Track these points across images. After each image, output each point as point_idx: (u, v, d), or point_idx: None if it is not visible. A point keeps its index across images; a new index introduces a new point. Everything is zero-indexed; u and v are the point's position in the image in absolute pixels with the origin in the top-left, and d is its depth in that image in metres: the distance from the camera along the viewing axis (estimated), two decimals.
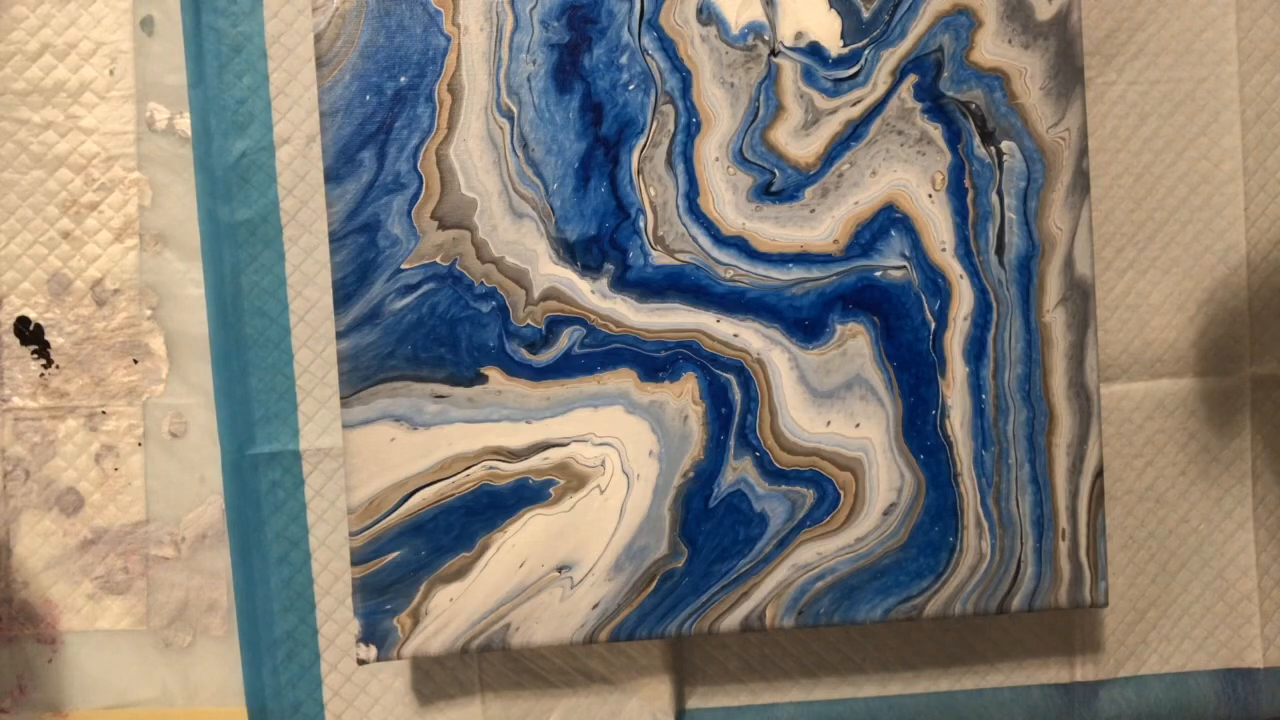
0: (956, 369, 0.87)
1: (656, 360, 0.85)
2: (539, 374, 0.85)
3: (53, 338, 0.95)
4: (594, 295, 0.85)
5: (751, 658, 0.97)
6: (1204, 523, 0.99)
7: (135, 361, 0.95)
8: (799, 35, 0.85)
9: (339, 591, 0.95)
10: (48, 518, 0.96)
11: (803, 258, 0.85)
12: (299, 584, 0.95)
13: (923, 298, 0.86)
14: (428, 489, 0.85)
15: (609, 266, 0.85)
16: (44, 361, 0.95)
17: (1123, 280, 0.97)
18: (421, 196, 0.84)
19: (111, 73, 0.94)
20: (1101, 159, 0.96)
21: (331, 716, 0.96)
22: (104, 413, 0.95)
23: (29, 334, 0.95)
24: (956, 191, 0.86)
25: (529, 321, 0.85)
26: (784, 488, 0.86)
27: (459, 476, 0.85)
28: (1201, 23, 0.97)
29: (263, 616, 0.95)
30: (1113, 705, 0.98)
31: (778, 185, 0.85)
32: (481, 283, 0.85)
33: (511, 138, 0.85)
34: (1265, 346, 0.98)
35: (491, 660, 0.96)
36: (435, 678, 0.96)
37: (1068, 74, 0.85)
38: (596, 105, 0.85)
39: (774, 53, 0.85)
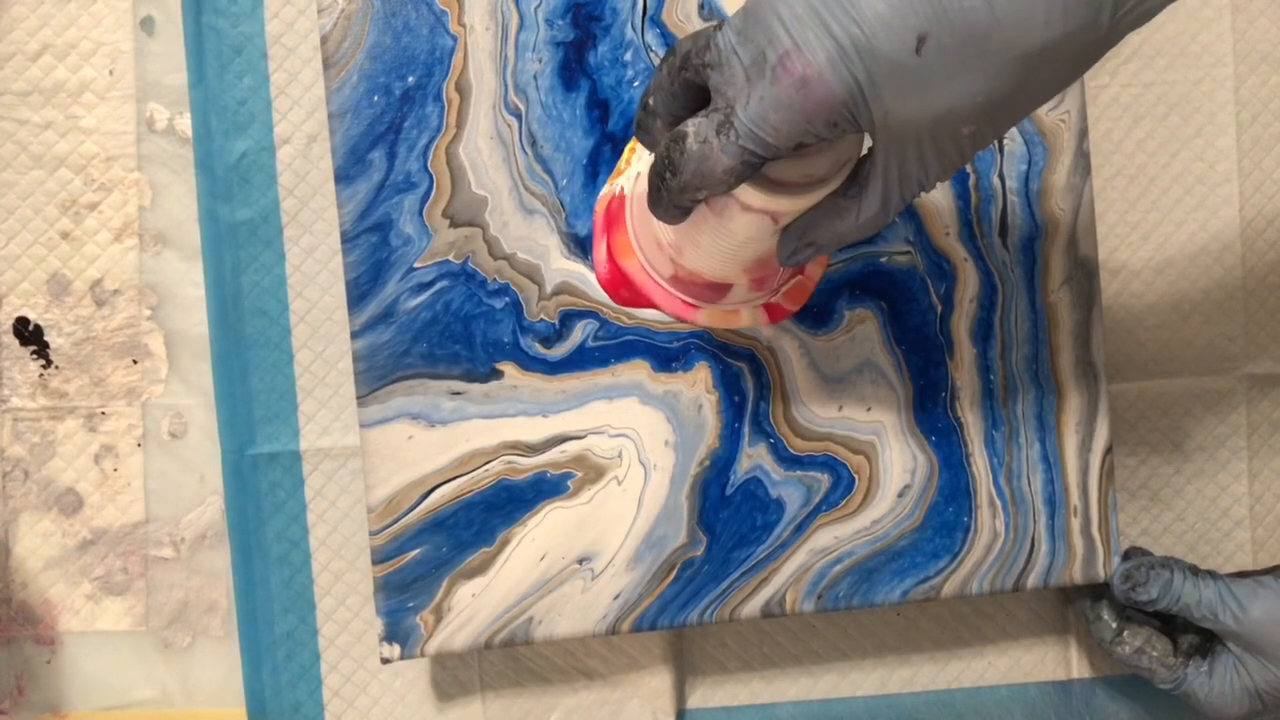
0: (964, 351, 0.90)
1: (669, 351, 0.89)
2: (554, 368, 0.88)
3: (52, 338, 0.97)
4: None
5: (751, 657, 1.00)
6: (1200, 521, 1.02)
7: (135, 362, 0.97)
8: None
9: (339, 591, 0.97)
10: (47, 518, 0.97)
11: None
12: (299, 584, 0.97)
13: (928, 281, 0.90)
14: (446, 485, 0.88)
15: None
16: (43, 362, 0.97)
17: (1117, 280, 1.00)
18: (433, 195, 0.87)
19: (111, 73, 0.96)
20: (1096, 160, 0.98)
21: (331, 717, 0.97)
22: (103, 413, 0.97)
23: (28, 334, 0.97)
24: (958, 176, 0.90)
25: (542, 316, 0.88)
26: (799, 473, 0.90)
27: (477, 472, 0.88)
28: (1197, 25, 0.99)
29: (263, 616, 0.97)
30: (1111, 702, 1.01)
31: None
32: (494, 279, 0.88)
33: (520, 135, 0.88)
34: (1260, 346, 1.01)
35: (492, 660, 0.98)
36: (435, 678, 0.98)
37: None
38: (603, 102, 0.88)
39: None
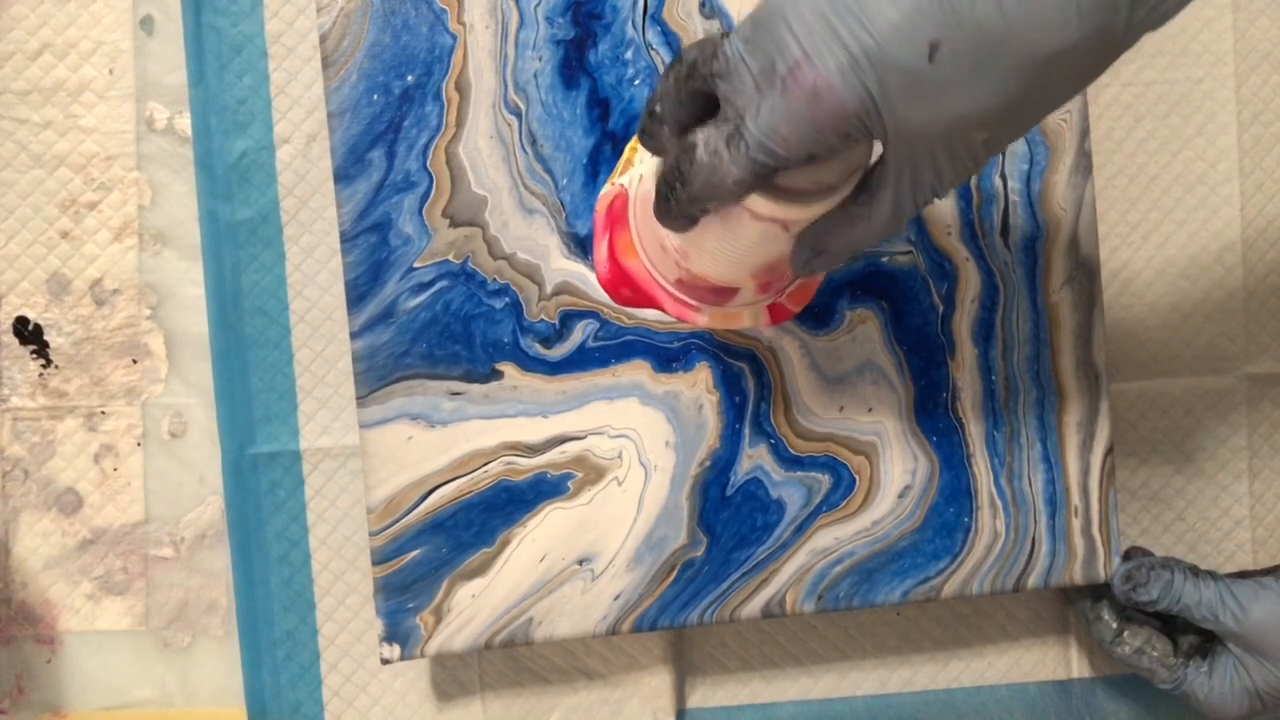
0: (966, 351, 0.90)
1: (670, 351, 0.88)
2: (554, 368, 0.88)
3: (52, 337, 0.96)
4: None
5: (751, 657, 1.00)
6: (1200, 521, 1.02)
7: (134, 361, 0.97)
8: None
9: (339, 591, 0.97)
10: (47, 518, 0.97)
11: None
12: (299, 584, 0.97)
13: (930, 282, 0.90)
14: (446, 486, 0.88)
15: None
16: (43, 361, 0.97)
17: (1118, 280, 1.00)
18: (432, 195, 0.87)
19: (111, 72, 0.96)
20: (1097, 159, 0.97)
21: (331, 717, 0.97)
22: (103, 413, 0.97)
23: (28, 334, 0.96)
24: None
25: (542, 316, 0.88)
26: (799, 474, 0.90)
27: (477, 473, 0.88)
28: (1198, 24, 0.99)
29: (262, 616, 0.97)
30: (1111, 702, 1.01)
31: None
32: (494, 279, 0.87)
33: (520, 134, 0.87)
34: (1261, 345, 1.01)
35: (492, 660, 0.98)
36: (435, 678, 0.98)
37: None
38: (603, 101, 0.88)
39: None
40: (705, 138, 0.61)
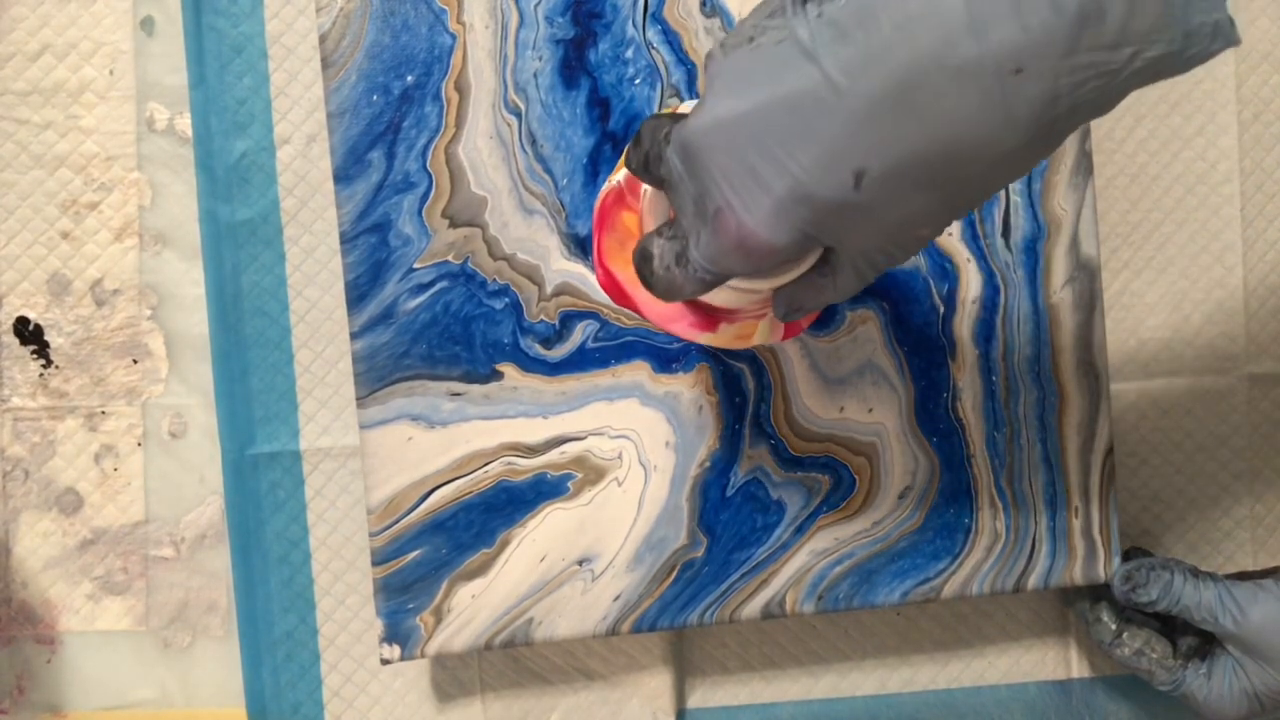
0: (966, 352, 0.90)
1: (670, 352, 0.88)
2: (554, 369, 0.88)
3: (52, 338, 0.96)
4: None
5: (751, 657, 1.00)
6: (1200, 521, 1.01)
7: (135, 362, 0.97)
8: None
9: (339, 591, 0.97)
10: (47, 518, 0.97)
11: None
12: (299, 584, 0.97)
13: (931, 282, 0.89)
14: (446, 487, 0.87)
15: None
16: (43, 361, 0.96)
17: (1118, 280, 0.99)
18: (432, 195, 0.87)
19: (111, 73, 0.96)
20: (1098, 159, 0.97)
21: (331, 717, 0.97)
22: (103, 413, 0.97)
23: (29, 334, 0.96)
24: None
25: (542, 317, 0.87)
26: (800, 474, 0.89)
27: (477, 473, 0.88)
28: None
29: (262, 616, 0.97)
30: (1111, 702, 1.01)
31: None
32: (494, 280, 0.87)
33: (520, 134, 0.87)
34: (1261, 345, 1.00)
35: (492, 660, 0.98)
36: (435, 678, 0.98)
37: None
38: (603, 100, 0.87)
39: None
40: (660, 251, 0.62)
